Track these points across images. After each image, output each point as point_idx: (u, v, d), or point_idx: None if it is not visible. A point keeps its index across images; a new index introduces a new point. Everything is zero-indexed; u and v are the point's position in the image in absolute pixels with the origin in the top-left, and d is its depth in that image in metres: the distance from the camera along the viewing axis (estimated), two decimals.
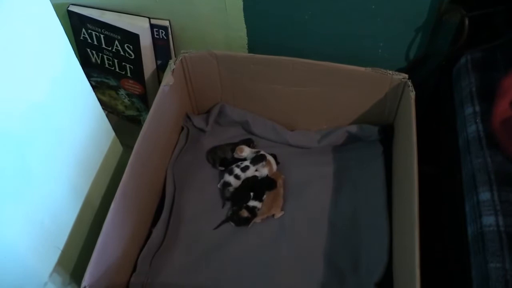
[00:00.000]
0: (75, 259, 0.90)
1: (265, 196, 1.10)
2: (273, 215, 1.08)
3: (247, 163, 1.12)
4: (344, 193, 1.10)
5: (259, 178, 1.14)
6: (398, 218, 0.94)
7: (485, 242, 0.63)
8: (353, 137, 1.18)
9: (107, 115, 1.00)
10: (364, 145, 1.17)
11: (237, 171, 1.12)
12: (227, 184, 1.12)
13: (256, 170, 1.13)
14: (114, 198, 0.83)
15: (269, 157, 1.16)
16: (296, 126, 1.25)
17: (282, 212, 1.09)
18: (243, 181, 1.12)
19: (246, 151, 1.17)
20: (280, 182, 1.12)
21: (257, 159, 1.13)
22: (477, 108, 0.80)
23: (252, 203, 1.08)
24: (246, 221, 1.06)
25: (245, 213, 1.07)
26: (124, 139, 1.10)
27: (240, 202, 1.10)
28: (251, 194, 1.09)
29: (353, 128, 1.17)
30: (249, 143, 1.21)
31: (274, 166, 1.16)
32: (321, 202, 1.09)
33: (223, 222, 1.08)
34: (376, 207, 1.01)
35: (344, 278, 0.95)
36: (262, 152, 1.14)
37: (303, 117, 1.23)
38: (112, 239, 0.83)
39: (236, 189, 1.12)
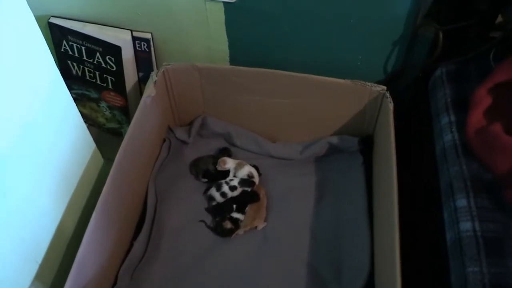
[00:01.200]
0: (54, 272, 0.88)
1: (247, 208, 1.11)
2: (256, 227, 1.09)
3: (235, 182, 1.13)
4: (326, 203, 1.11)
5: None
6: (379, 227, 0.95)
7: (462, 247, 0.65)
8: (334, 148, 1.19)
9: (87, 128, 0.99)
10: (345, 156, 1.19)
11: (225, 188, 1.12)
12: (211, 198, 1.13)
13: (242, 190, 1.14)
14: (95, 210, 0.82)
15: (252, 170, 1.16)
16: (278, 138, 1.26)
17: (265, 224, 1.10)
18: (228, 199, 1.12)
19: (229, 163, 1.17)
20: (262, 193, 1.13)
21: (246, 183, 1.13)
22: (453, 118, 0.82)
23: (235, 215, 1.09)
24: (229, 232, 1.07)
25: (228, 225, 1.07)
26: (105, 152, 1.09)
27: (223, 213, 1.10)
28: (234, 206, 1.10)
29: (334, 139, 1.18)
30: (226, 152, 1.21)
31: (257, 179, 1.16)
32: (303, 212, 1.10)
33: (205, 223, 1.09)
34: (357, 216, 1.03)
35: (327, 287, 0.95)
36: (253, 179, 1.14)
37: (285, 129, 1.24)
38: (92, 252, 0.82)
39: (221, 202, 1.13)
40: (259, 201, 1.11)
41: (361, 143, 1.16)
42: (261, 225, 1.09)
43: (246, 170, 1.16)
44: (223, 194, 1.12)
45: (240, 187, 1.13)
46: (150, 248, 1.02)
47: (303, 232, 1.05)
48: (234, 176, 1.16)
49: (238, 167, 1.16)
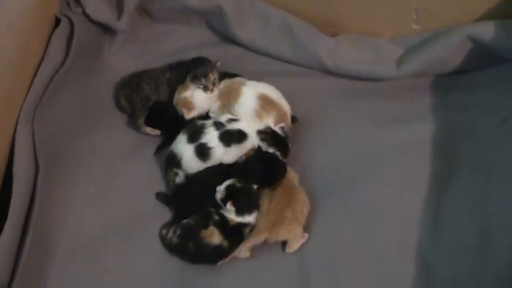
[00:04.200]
0: None
1: (264, 197, 1.10)
2: (283, 244, 1.06)
3: (240, 125, 1.14)
4: (458, 186, 1.10)
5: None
6: None
7: None
8: (481, 51, 1.17)
9: None
10: (510, 72, 1.17)
11: (210, 136, 1.11)
12: (174, 162, 1.11)
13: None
14: None
15: (269, 91, 1.15)
16: (345, 25, 1.25)
17: (306, 236, 1.05)
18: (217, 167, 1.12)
19: (199, 98, 1.18)
20: (291, 174, 1.13)
21: (270, 136, 1.15)
22: None
23: (231, 214, 1.07)
24: (214, 255, 1.04)
25: (214, 236, 1.03)
26: None
27: (200, 206, 1.08)
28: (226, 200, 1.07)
29: (483, 29, 1.16)
30: (206, 67, 1.19)
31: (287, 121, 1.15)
32: (401, 210, 1.09)
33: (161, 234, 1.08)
34: None
35: None
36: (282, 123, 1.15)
37: (360, 3, 1.22)
38: None
39: (194, 177, 1.11)
40: (288, 183, 1.10)
41: None
42: (296, 240, 1.05)
43: (250, 97, 1.16)
44: (203, 152, 1.10)
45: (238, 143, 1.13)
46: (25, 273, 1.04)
47: (399, 255, 1.06)
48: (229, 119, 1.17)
49: (227, 95, 1.17)
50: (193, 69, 1.19)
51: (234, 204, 1.07)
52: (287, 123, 1.16)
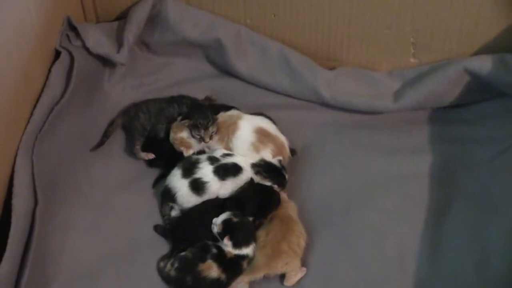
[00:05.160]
0: None
1: (262, 230, 1.09)
2: (281, 276, 1.04)
3: (236, 160, 1.12)
4: (455, 216, 1.10)
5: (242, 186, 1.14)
6: None
7: None
8: (479, 85, 1.16)
9: None
10: (507, 106, 1.17)
11: (205, 171, 1.10)
12: (168, 197, 1.11)
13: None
14: None
15: (262, 124, 1.15)
16: (343, 58, 1.25)
17: (304, 271, 1.04)
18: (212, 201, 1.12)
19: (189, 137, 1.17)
20: (291, 205, 1.12)
21: (264, 169, 1.13)
22: None
23: (230, 248, 1.06)
24: None
25: (212, 270, 1.03)
26: None
27: (198, 237, 1.08)
28: (225, 236, 1.07)
29: (480, 63, 1.16)
30: (207, 119, 1.19)
31: (285, 153, 1.13)
32: (399, 241, 1.08)
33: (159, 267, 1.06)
34: None
35: None
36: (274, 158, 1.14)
37: (358, 36, 1.22)
38: None
39: (191, 210, 1.11)
40: (286, 214, 1.09)
41: None
42: (294, 274, 1.04)
43: (247, 130, 1.15)
44: (198, 187, 1.09)
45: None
46: None
47: (402, 286, 1.05)
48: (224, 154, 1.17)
49: (225, 128, 1.16)
50: (194, 118, 1.17)
51: (231, 238, 1.06)
52: (284, 156, 1.14)
